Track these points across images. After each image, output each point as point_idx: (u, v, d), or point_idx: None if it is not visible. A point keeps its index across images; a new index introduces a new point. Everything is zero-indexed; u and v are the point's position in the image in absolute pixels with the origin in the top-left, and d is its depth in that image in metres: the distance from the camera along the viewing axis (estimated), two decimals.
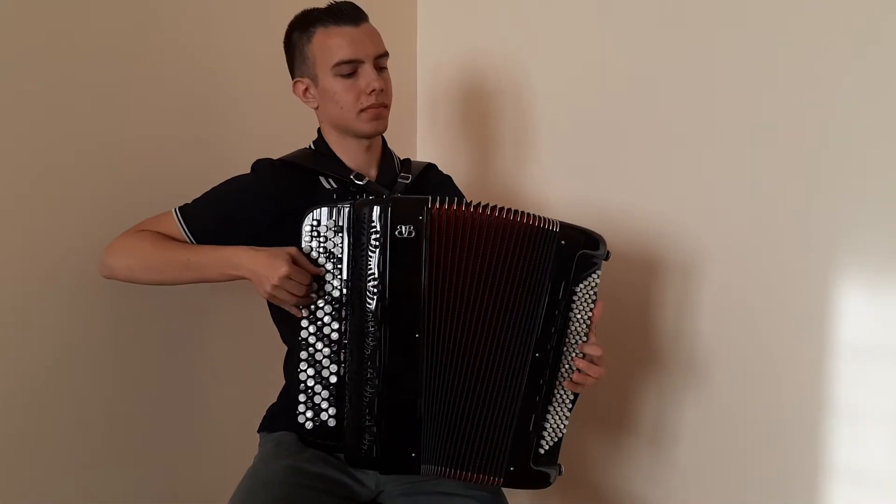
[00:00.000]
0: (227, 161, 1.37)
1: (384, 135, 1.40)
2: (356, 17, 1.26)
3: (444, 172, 1.49)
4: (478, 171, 1.91)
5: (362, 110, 1.26)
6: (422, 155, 2.03)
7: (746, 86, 1.48)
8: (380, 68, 1.28)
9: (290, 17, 1.31)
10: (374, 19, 1.33)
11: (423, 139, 2.06)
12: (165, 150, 1.47)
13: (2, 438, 1.26)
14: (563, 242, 1.17)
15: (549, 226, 1.17)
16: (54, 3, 1.30)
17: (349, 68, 1.25)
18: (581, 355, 1.20)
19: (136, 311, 1.43)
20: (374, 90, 1.25)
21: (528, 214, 1.17)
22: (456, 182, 1.50)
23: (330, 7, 1.28)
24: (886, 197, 1.34)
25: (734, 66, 1.49)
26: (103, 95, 1.37)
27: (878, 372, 1.36)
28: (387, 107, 1.29)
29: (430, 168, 1.46)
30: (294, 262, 1.14)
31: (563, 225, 1.18)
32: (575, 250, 1.18)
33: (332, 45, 1.25)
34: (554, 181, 1.80)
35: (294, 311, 1.18)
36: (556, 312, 1.18)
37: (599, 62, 1.71)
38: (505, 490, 1.30)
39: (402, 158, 1.43)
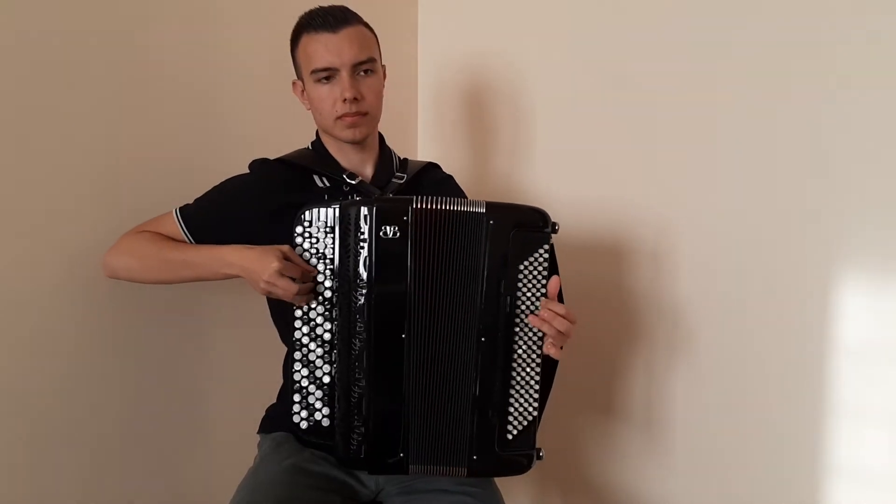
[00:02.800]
0: (229, 162, 1.38)
1: (384, 134, 1.41)
2: (336, 23, 1.24)
3: (447, 172, 1.48)
4: (479, 170, 1.91)
5: (338, 118, 1.27)
6: (423, 154, 2.03)
7: (745, 84, 1.47)
8: (361, 73, 1.27)
9: (290, 18, 1.31)
10: (374, 19, 1.32)
11: (424, 138, 2.06)
12: (168, 152, 1.49)
13: (3, 437, 1.28)
14: (491, 222, 1.15)
15: (475, 207, 1.16)
16: (57, 5, 1.31)
17: (325, 75, 1.25)
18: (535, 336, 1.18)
19: (136, 312, 1.44)
20: (346, 99, 1.25)
21: (458, 200, 1.16)
22: (457, 181, 1.49)
23: (314, 12, 1.27)
24: (887, 196, 1.32)
25: (733, 65, 1.48)
26: (105, 98, 1.38)
27: (878, 370, 1.35)
28: (365, 114, 1.28)
29: (430, 167, 1.45)
30: (285, 257, 1.16)
31: (491, 205, 1.16)
32: (508, 228, 1.16)
33: (310, 52, 1.26)
34: (555, 180, 1.79)
35: (298, 300, 1.18)
36: (498, 293, 1.16)
37: (597, 62, 1.70)
38: (506, 485, 1.30)
39: (402, 158, 1.43)
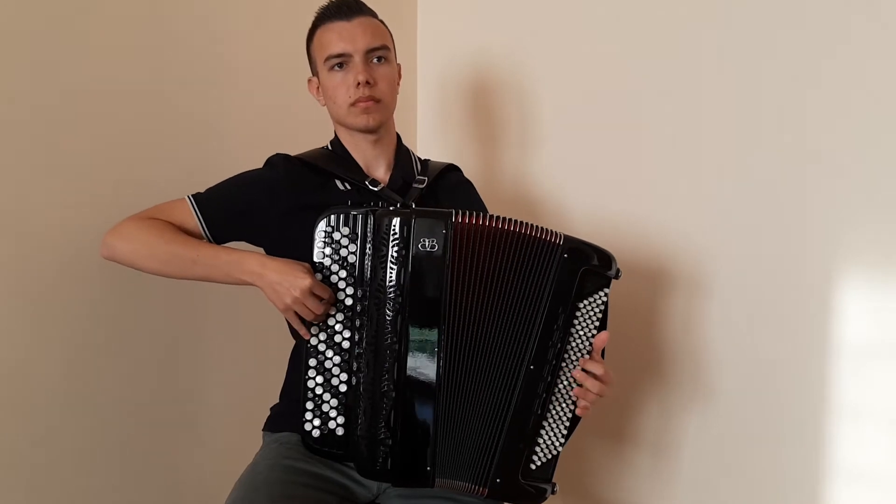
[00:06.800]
0: (240, 158, 1.36)
1: (400, 134, 1.39)
2: (349, 11, 1.27)
3: (466, 177, 1.48)
4: (479, 172, 1.89)
5: (352, 104, 1.26)
6: (421, 154, 2.01)
7: (748, 90, 1.49)
8: (374, 60, 1.27)
9: (301, 15, 1.32)
10: None
11: (424, 138, 2.03)
12: (178, 149, 1.49)
13: (3, 436, 1.26)
14: (566, 256, 1.17)
15: (552, 237, 1.17)
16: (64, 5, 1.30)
17: (339, 61, 1.26)
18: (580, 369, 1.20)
19: (137, 307, 1.42)
20: (359, 83, 1.24)
21: (533, 226, 1.17)
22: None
23: (327, 5, 1.29)
24: (887, 197, 1.34)
25: (747, 73, 1.50)
26: (115, 93, 1.37)
27: (881, 374, 1.37)
28: (378, 101, 1.27)
29: (450, 170, 1.44)
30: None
31: (568, 238, 1.18)
32: (579, 265, 1.18)
33: (324, 41, 1.27)
34: (566, 185, 1.78)
35: (303, 330, 1.16)
36: (556, 326, 1.18)
37: (603, 62, 1.69)
38: None
39: (423, 159, 1.42)
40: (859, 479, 1.42)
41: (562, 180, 1.79)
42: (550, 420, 1.20)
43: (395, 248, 1.14)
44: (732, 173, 1.52)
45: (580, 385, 1.19)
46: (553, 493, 1.22)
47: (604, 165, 1.72)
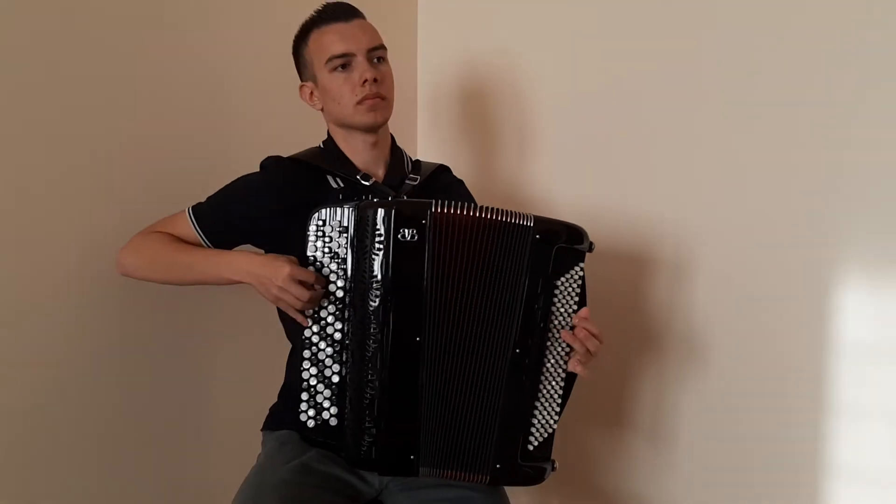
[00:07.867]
0: (238, 160, 1.38)
1: (394, 135, 1.41)
2: (347, 13, 1.29)
3: (458, 176, 1.49)
4: (481, 172, 1.91)
5: (358, 102, 1.27)
6: (422, 155, 2.03)
7: (747, 85, 1.48)
8: (375, 60, 1.29)
9: (298, 17, 1.33)
10: (373, 18, 1.34)
11: (424, 138, 2.05)
12: (178, 151, 1.50)
13: (5, 436, 1.28)
14: (538, 237, 1.17)
15: (523, 220, 1.17)
16: (70, 5, 1.32)
17: (342, 62, 1.27)
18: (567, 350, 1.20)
19: (138, 309, 1.44)
20: (366, 80, 1.26)
21: (503, 211, 1.17)
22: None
23: (322, 8, 1.31)
24: (887, 195, 1.34)
25: (734, 65, 1.50)
26: (115, 97, 1.40)
27: (879, 370, 1.37)
28: (384, 98, 1.29)
29: (442, 170, 1.46)
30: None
31: (539, 219, 1.18)
32: (552, 244, 1.17)
33: (324, 42, 1.28)
34: (563, 184, 1.80)
35: (300, 318, 1.19)
36: (536, 307, 1.18)
37: (599, 61, 1.70)
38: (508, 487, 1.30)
39: (413, 159, 1.43)
40: (857, 476, 1.40)
41: (558, 179, 1.80)
42: (542, 399, 1.21)
43: (378, 239, 1.15)
44: (734, 172, 1.51)
45: (567, 356, 1.20)
46: (553, 469, 1.22)
47: (601, 163, 1.72)
